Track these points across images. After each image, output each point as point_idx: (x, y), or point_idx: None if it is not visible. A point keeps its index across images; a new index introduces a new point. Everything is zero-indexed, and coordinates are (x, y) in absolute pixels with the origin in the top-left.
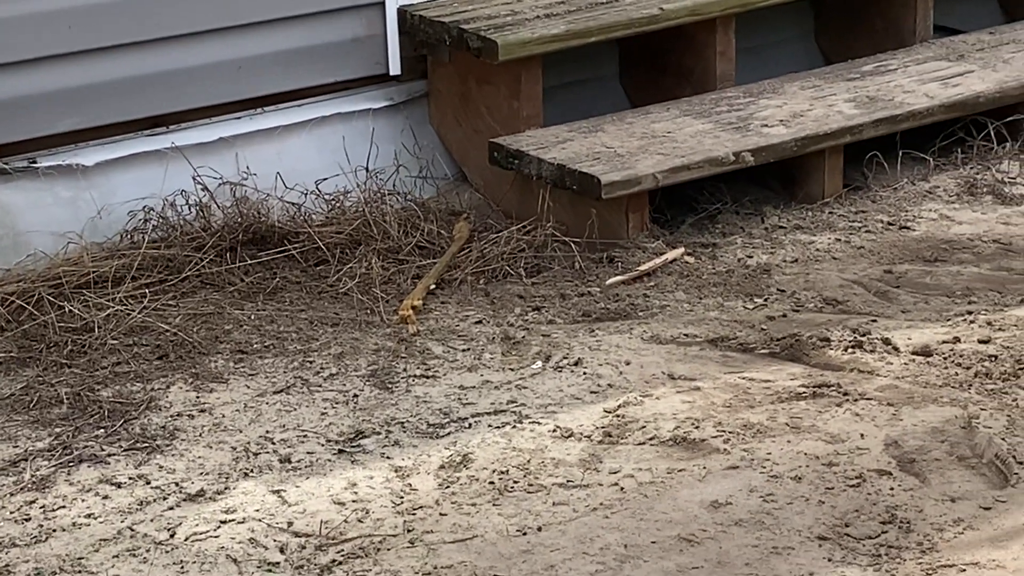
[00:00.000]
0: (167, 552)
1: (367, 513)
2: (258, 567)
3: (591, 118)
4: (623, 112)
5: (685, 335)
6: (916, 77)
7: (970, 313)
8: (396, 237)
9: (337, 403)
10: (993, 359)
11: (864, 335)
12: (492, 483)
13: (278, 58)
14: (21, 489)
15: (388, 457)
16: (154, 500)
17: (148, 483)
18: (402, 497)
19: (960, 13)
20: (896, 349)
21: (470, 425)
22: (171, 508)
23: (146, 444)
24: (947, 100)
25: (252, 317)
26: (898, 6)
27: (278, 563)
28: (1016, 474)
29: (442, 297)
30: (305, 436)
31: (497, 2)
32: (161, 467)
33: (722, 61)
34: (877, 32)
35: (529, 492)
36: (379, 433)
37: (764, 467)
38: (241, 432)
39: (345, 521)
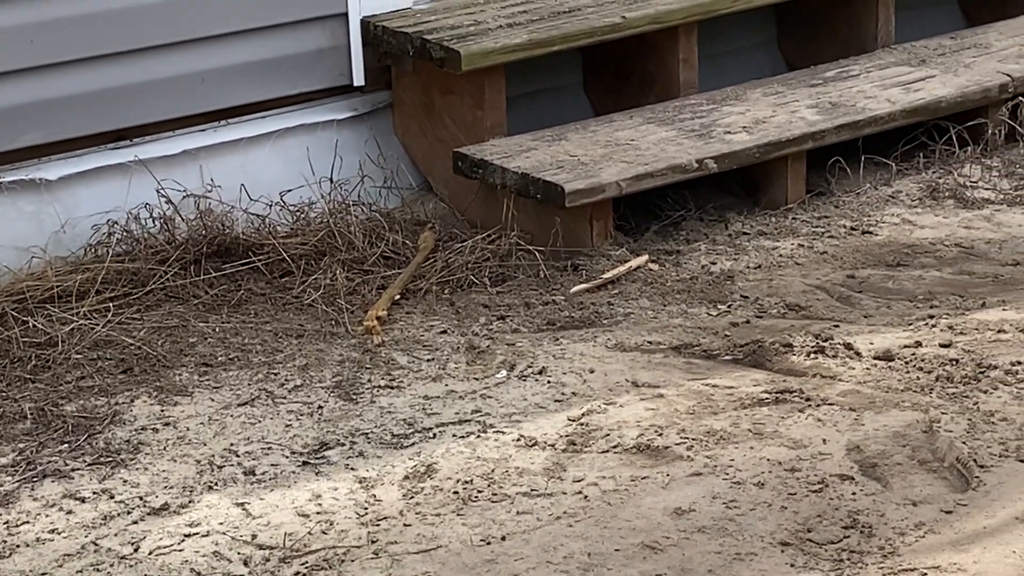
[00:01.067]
0: (131, 567)
1: (331, 525)
2: None
3: (555, 127)
4: (587, 120)
5: (649, 342)
6: (878, 82)
7: (932, 317)
8: (361, 248)
9: (302, 415)
10: (954, 363)
11: (826, 340)
12: (456, 493)
13: (241, 70)
14: None
15: (352, 468)
16: (118, 514)
17: (112, 497)
18: (366, 508)
19: (921, 18)
20: (858, 354)
21: (434, 435)
22: (135, 522)
23: (110, 458)
24: (909, 105)
25: (216, 330)
26: (860, 12)
27: None
28: (977, 478)
29: (407, 307)
30: (270, 448)
31: (460, 12)
32: (125, 481)
33: (685, 68)
34: (839, 38)
35: (493, 501)
36: (343, 444)
37: (727, 474)
38: (205, 445)
39: (309, 533)
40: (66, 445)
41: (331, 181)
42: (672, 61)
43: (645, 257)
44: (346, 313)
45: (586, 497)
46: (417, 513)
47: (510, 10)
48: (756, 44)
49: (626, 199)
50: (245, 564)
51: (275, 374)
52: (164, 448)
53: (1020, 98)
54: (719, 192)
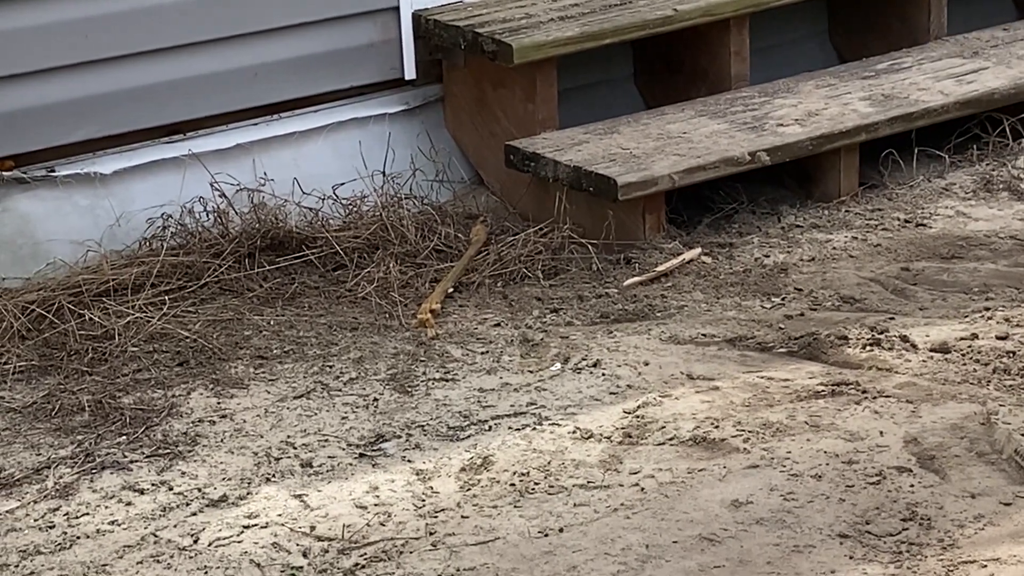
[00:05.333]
0: (191, 558)
1: (389, 516)
2: (281, 571)
3: (606, 120)
4: (638, 113)
5: (703, 335)
6: (931, 74)
7: (988, 310)
8: (413, 241)
9: (357, 407)
10: (1011, 355)
11: (882, 333)
12: (513, 485)
13: (294, 64)
14: (45, 497)
15: (409, 460)
16: (177, 506)
17: (171, 489)
18: (423, 500)
19: (973, 10)
20: (914, 346)
21: (490, 428)
22: (194, 514)
23: (168, 450)
24: (962, 97)
25: (271, 323)
26: (912, 4)
27: (301, 567)
28: None
29: (460, 300)
30: (326, 440)
31: (511, 5)
32: (183, 473)
33: (736, 61)
34: (891, 30)
35: (550, 494)
36: (399, 436)
37: (784, 466)
38: (262, 437)
39: (367, 524)
40: (124, 437)
41: (383, 175)
42: (724, 53)
43: (698, 250)
44: (399, 306)
45: (643, 489)
46: (474, 505)
47: (561, 3)
48: (807, 36)
49: (678, 192)
50: (304, 556)
51: (330, 367)
52: (221, 440)
53: None
54: (771, 185)
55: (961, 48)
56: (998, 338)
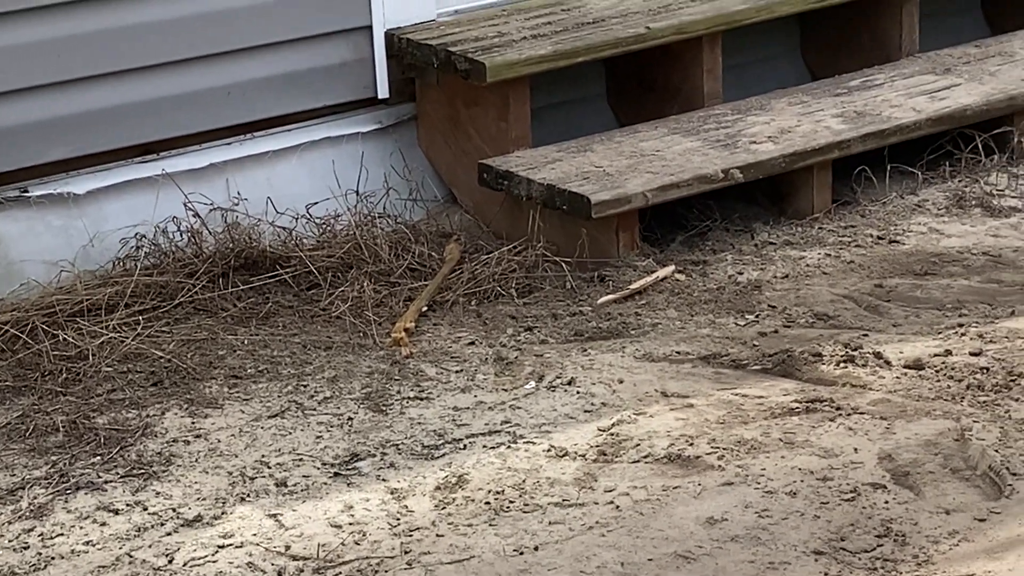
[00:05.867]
0: None
1: (364, 535)
2: None
3: (579, 138)
4: (611, 131)
5: (677, 352)
6: (903, 91)
7: (961, 326)
8: (387, 260)
9: (332, 426)
10: (985, 371)
11: (856, 349)
12: (488, 503)
13: (267, 83)
14: (19, 517)
15: (384, 479)
16: (152, 526)
17: (145, 509)
18: (399, 519)
19: (945, 27)
20: (888, 363)
21: (465, 446)
22: (169, 534)
23: (143, 470)
24: (934, 114)
25: (245, 342)
26: (884, 21)
27: None
28: (1010, 485)
29: (434, 319)
30: (301, 460)
31: (484, 24)
32: (158, 493)
33: (709, 79)
34: (863, 47)
35: (525, 512)
36: (374, 455)
37: (759, 483)
38: (237, 457)
39: (342, 544)
40: (98, 458)
41: (357, 194)
42: (696, 71)
43: (672, 267)
44: (374, 325)
45: (618, 507)
46: (449, 524)
47: (534, 21)
48: (780, 54)
49: (652, 210)
50: (279, 575)
51: (304, 386)
52: (196, 460)
53: None
54: (744, 202)
55: (933, 65)
56: (971, 354)
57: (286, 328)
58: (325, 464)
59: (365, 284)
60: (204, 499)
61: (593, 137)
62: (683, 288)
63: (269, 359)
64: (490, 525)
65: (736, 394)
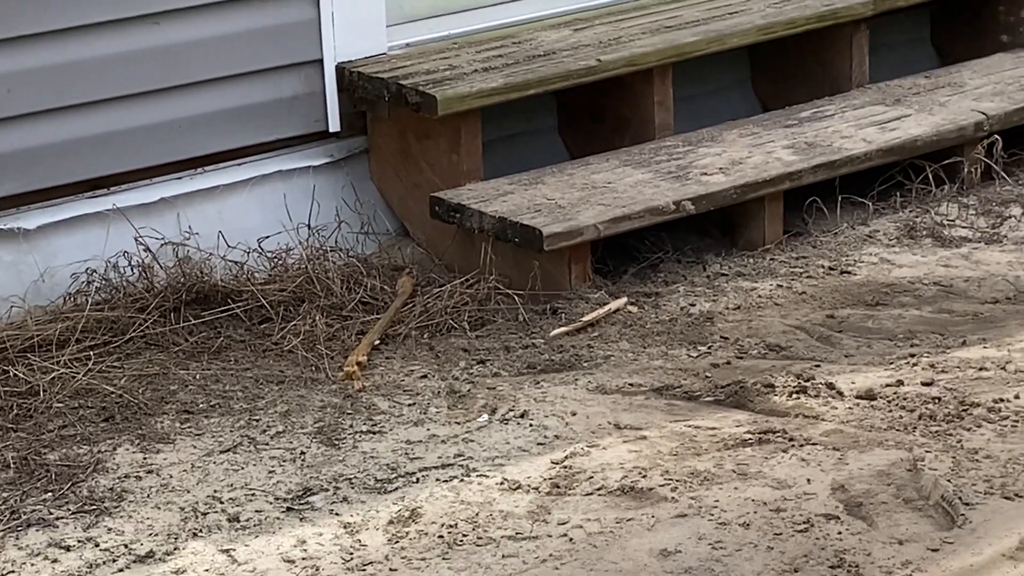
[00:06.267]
0: None
1: (317, 570)
2: None
3: (531, 170)
4: (563, 164)
5: (630, 384)
6: (853, 122)
7: (913, 356)
8: (339, 293)
9: (284, 461)
10: (937, 401)
11: (808, 380)
12: (441, 537)
13: (218, 117)
14: None
15: (337, 514)
16: (104, 562)
17: (97, 545)
18: (352, 553)
19: (895, 57)
20: (840, 393)
21: (418, 480)
22: (121, 570)
23: (94, 507)
24: (885, 144)
25: (197, 377)
26: (834, 52)
27: None
28: (963, 515)
29: (387, 352)
30: (253, 495)
31: (435, 57)
32: (110, 529)
33: (660, 110)
34: (814, 78)
35: (478, 545)
36: (327, 490)
37: (712, 514)
38: (189, 492)
39: None
40: (50, 494)
41: (308, 227)
42: (647, 103)
43: (624, 299)
44: (326, 359)
45: (571, 540)
46: (403, 558)
47: (485, 54)
48: (731, 85)
49: (604, 242)
50: None
51: (257, 420)
52: (148, 495)
53: (995, 136)
54: (696, 234)
55: (883, 95)
56: (923, 384)
57: (238, 362)
58: (278, 499)
59: (317, 318)
60: (156, 535)
61: (545, 169)
62: (636, 320)
63: (221, 394)
64: (443, 559)
65: (689, 426)
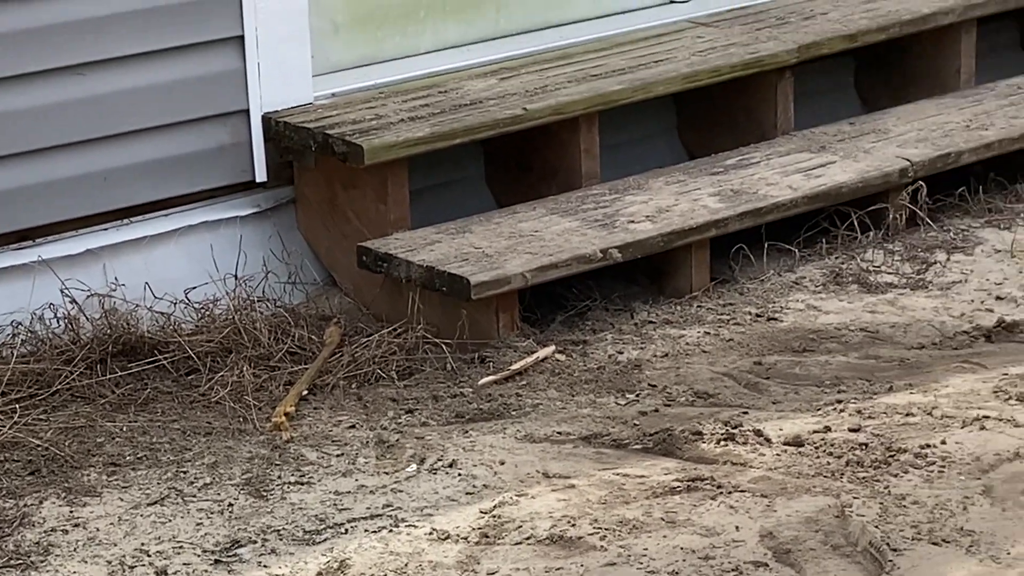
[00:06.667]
0: None
1: None
2: None
3: (459, 219)
4: (490, 212)
5: (559, 433)
6: (779, 169)
7: (840, 402)
8: (267, 344)
9: (212, 513)
10: (864, 447)
11: (736, 427)
12: None
13: (144, 168)
14: None
15: (265, 566)
16: None
17: None
18: None
19: (820, 104)
20: (768, 440)
21: (346, 531)
22: None
23: (20, 561)
24: (810, 191)
25: (124, 429)
26: (759, 99)
27: None
28: (891, 561)
29: (315, 403)
30: (181, 547)
31: (361, 106)
32: None
33: (587, 159)
34: (739, 126)
35: None
36: (255, 542)
37: (641, 563)
38: (116, 546)
39: None
40: None
41: (235, 278)
42: (574, 151)
43: (552, 348)
44: (254, 410)
45: None
46: None
47: (412, 103)
48: (657, 133)
49: (531, 290)
50: None
51: (184, 472)
52: (75, 549)
53: (920, 182)
54: (624, 281)
55: (809, 142)
56: (850, 430)
57: (165, 414)
58: (206, 551)
59: (245, 369)
60: None
61: (472, 218)
62: (564, 368)
63: (148, 446)
64: None
65: (617, 474)
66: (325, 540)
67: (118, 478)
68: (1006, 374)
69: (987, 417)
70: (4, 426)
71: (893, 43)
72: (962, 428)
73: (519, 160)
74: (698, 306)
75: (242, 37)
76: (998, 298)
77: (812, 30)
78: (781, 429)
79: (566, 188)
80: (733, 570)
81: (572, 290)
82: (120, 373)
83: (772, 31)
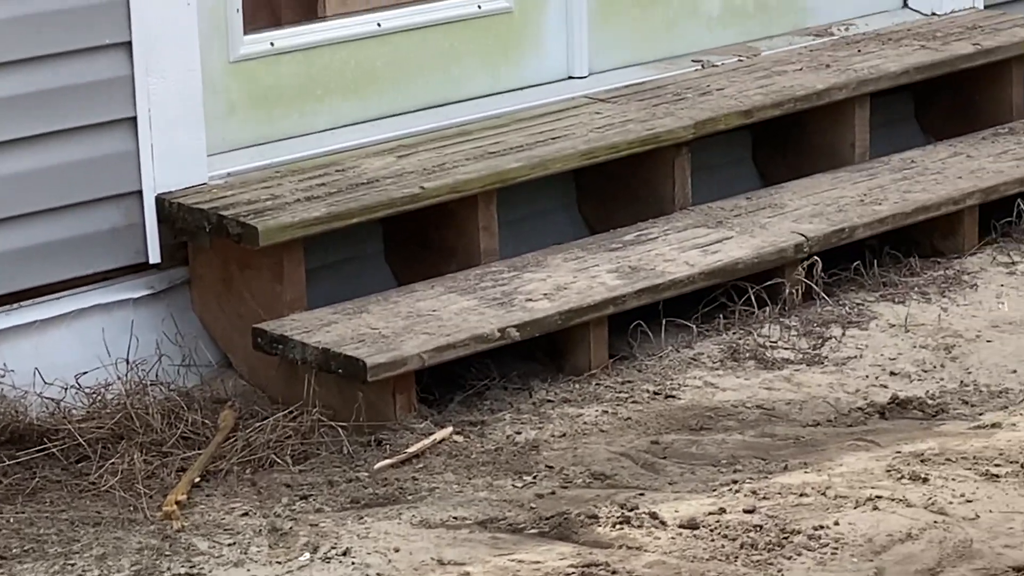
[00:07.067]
0: None
1: None
2: None
3: (356, 299)
4: (388, 291)
5: (454, 518)
6: (676, 245)
7: (735, 482)
8: (159, 429)
9: None
10: (758, 529)
11: (632, 510)
12: None
13: (35, 252)
14: None
15: None
16: None
17: None
18: None
19: (718, 178)
20: (663, 523)
21: None
22: None
23: None
24: (707, 267)
25: (11, 520)
26: (657, 175)
27: None
28: None
29: (207, 489)
30: None
31: (257, 187)
32: None
33: (485, 236)
34: (638, 201)
35: None
36: None
37: None
38: None
39: None
40: None
41: (127, 362)
42: (472, 229)
43: (449, 429)
44: (144, 498)
45: None
46: None
47: (308, 183)
48: (556, 208)
49: (429, 370)
50: None
51: (72, 565)
52: None
53: (815, 257)
54: (523, 359)
55: (706, 218)
56: (745, 511)
57: (53, 504)
58: None
59: (136, 455)
60: None
61: (370, 298)
62: (461, 450)
63: (35, 537)
64: None
65: (513, 560)
66: None
67: (3, 572)
68: (899, 452)
69: (880, 497)
70: None
71: (788, 118)
72: (855, 508)
73: (418, 238)
74: (597, 384)
75: (135, 119)
76: (892, 373)
77: (708, 106)
78: (677, 511)
79: (466, 265)
80: None
81: (471, 369)
82: (7, 462)
83: (669, 107)
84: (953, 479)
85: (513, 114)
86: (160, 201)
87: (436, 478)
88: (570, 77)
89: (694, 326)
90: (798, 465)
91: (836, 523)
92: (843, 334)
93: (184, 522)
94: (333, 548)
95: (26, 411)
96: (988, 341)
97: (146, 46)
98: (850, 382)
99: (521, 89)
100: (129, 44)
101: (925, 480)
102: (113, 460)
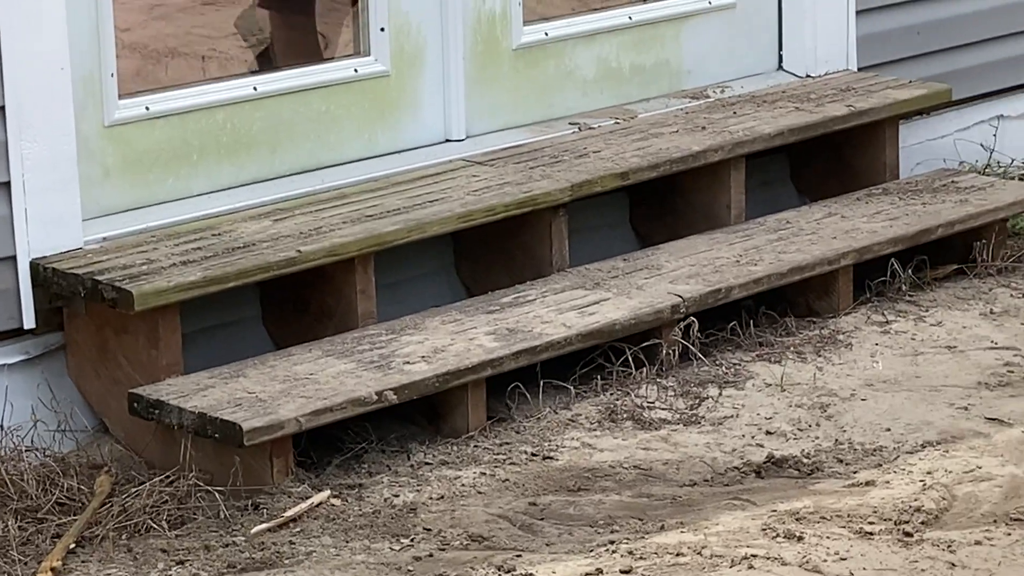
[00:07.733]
0: None
1: None
2: None
3: (233, 363)
4: (265, 355)
5: None
6: (554, 307)
7: (612, 543)
8: (35, 495)
9: None
10: None
11: (509, 572)
12: None
13: None
14: None
15: None
16: None
17: None
18: None
19: (595, 240)
20: None
21: None
22: None
23: None
24: (584, 329)
25: None
26: (534, 236)
27: None
28: None
29: (83, 556)
30: None
31: (132, 251)
32: None
33: (363, 299)
34: (516, 263)
35: None
36: None
37: None
38: None
39: None
40: None
41: (1, 428)
42: (350, 292)
43: (327, 493)
44: (19, 565)
45: None
46: None
47: (184, 247)
48: (434, 271)
49: (307, 434)
50: None
51: None
52: None
53: (692, 318)
54: (401, 422)
55: (584, 279)
56: (622, 572)
57: None
58: None
59: (10, 522)
60: None
61: (247, 361)
62: (339, 513)
63: None
64: None
65: None
66: None
67: None
68: (775, 510)
69: (755, 556)
70: None
71: (665, 180)
72: (731, 567)
73: (295, 301)
74: (475, 446)
75: (8, 183)
76: (768, 432)
77: (585, 168)
78: (554, 572)
79: (343, 328)
80: None
81: (348, 432)
82: None
83: (546, 169)
84: (828, 537)
85: (390, 177)
86: (34, 266)
87: (313, 541)
88: (447, 140)
89: (572, 387)
90: (675, 525)
91: None
92: (720, 394)
93: None
94: None
95: None
96: (863, 400)
97: (19, 110)
98: (727, 441)
99: (398, 152)
100: (2, 108)
101: (800, 538)
102: None
